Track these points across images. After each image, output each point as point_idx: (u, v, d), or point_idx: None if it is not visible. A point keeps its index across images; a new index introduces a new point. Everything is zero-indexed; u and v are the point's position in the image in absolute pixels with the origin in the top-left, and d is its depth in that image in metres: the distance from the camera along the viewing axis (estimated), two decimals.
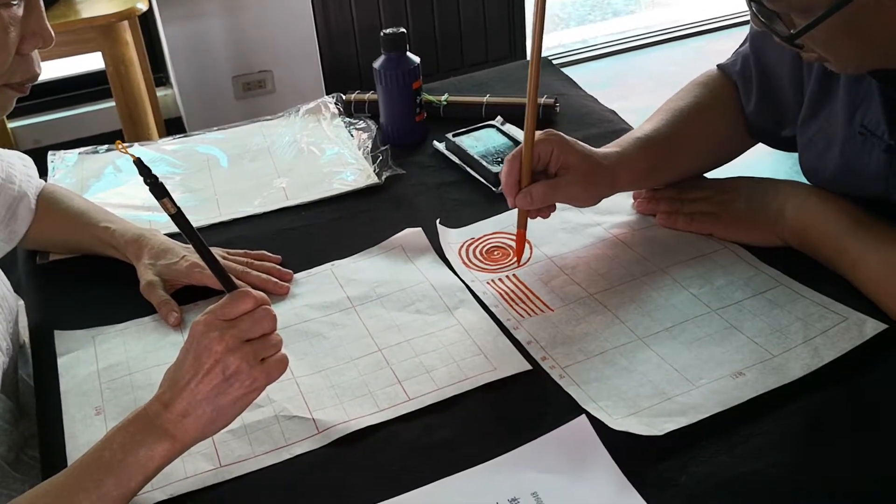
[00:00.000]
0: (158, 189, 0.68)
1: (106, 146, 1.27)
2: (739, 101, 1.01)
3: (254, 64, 2.56)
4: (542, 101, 1.25)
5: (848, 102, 0.85)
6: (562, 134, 0.91)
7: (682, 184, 1.01)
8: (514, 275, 0.94)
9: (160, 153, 1.25)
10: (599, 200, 0.95)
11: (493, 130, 1.20)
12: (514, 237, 0.99)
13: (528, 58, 0.87)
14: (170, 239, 0.97)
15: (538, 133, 0.89)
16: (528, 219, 0.93)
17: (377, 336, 0.87)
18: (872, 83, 0.81)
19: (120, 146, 0.69)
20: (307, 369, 0.84)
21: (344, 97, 1.32)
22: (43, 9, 0.78)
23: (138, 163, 0.66)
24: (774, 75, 0.96)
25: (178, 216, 0.69)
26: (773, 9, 0.72)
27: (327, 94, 1.41)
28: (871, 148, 0.84)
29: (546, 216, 0.94)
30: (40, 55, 0.81)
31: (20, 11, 0.76)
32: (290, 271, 0.97)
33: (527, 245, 0.96)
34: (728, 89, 1.02)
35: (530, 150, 0.89)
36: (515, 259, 0.95)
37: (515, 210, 0.93)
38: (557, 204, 0.93)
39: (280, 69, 2.59)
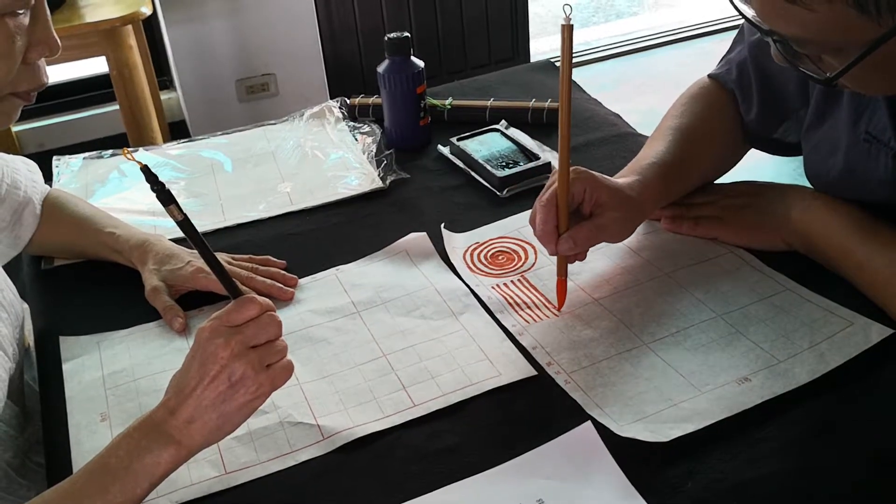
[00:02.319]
0: (165, 195, 0.68)
1: (111, 151, 1.27)
2: (737, 111, 1.00)
3: (257, 67, 2.57)
4: (546, 104, 1.25)
5: (853, 109, 0.85)
6: (590, 171, 0.87)
7: None
8: (519, 279, 0.94)
9: (164, 158, 1.25)
10: (633, 232, 0.92)
11: (497, 134, 1.20)
12: (518, 241, 1.00)
13: (559, 100, 0.82)
14: (175, 244, 0.98)
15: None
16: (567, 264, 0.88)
17: (382, 341, 0.87)
18: None
19: (126, 153, 0.69)
20: (312, 375, 0.84)
21: (348, 101, 1.33)
22: (49, 17, 0.78)
23: (145, 170, 0.66)
24: (777, 83, 0.95)
25: (184, 223, 0.69)
26: (802, 52, 0.71)
27: (331, 96, 1.41)
28: (877, 154, 0.83)
29: (583, 258, 0.91)
30: (45, 61, 0.81)
31: (26, 20, 0.76)
32: (295, 276, 0.97)
33: (532, 250, 0.95)
34: (724, 100, 1.01)
35: (565, 195, 0.84)
36: (557, 306, 0.89)
37: (518, 214, 0.92)
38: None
39: (283, 72, 2.59)
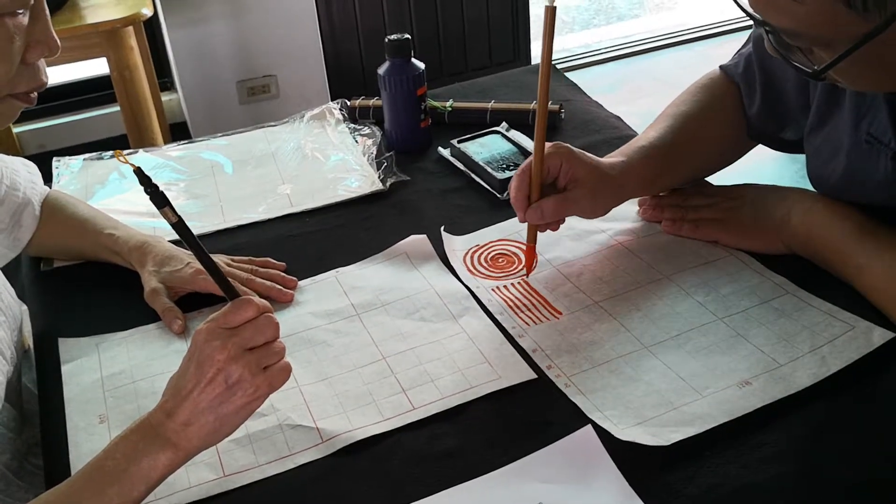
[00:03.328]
0: (159, 198, 0.67)
1: (110, 152, 1.27)
2: (742, 104, 1.01)
3: (258, 68, 2.57)
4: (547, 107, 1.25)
5: (854, 110, 0.85)
6: (569, 146, 0.90)
7: (687, 190, 1.01)
8: (519, 282, 0.94)
9: (165, 159, 1.25)
10: (608, 211, 0.94)
11: (498, 136, 1.20)
12: (519, 245, 0.99)
13: (539, 68, 0.87)
14: (174, 246, 0.97)
15: (546, 145, 0.88)
16: (538, 232, 0.92)
17: (382, 344, 0.87)
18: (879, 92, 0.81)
19: (120, 156, 0.69)
20: (311, 377, 0.83)
21: (349, 103, 1.32)
22: (49, 17, 0.78)
23: (138, 172, 0.66)
24: (778, 80, 0.96)
25: (178, 224, 0.69)
26: (794, 44, 0.71)
27: (331, 97, 1.41)
28: (878, 156, 0.83)
29: (555, 229, 0.94)
30: (45, 62, 0.81)
31: (25, 20, 0.75)
32: (295, 278, 0.97)
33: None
34: (730, 91, 1.01)
35: (539, 165, 0.88)
36: (525, 270, 0.94)
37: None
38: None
39: (284, 73, 2.59)
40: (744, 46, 1.02)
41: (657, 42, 3.50)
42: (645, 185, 0.97)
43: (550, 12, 0.82)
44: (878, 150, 0.83)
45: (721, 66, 1.04)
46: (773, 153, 1.04)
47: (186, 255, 0.95)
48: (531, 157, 0.89)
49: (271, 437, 0.77)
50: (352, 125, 1.29)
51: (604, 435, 0.73)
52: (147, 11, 2.07)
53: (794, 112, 0.95)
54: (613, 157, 0.95)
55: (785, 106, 0.96)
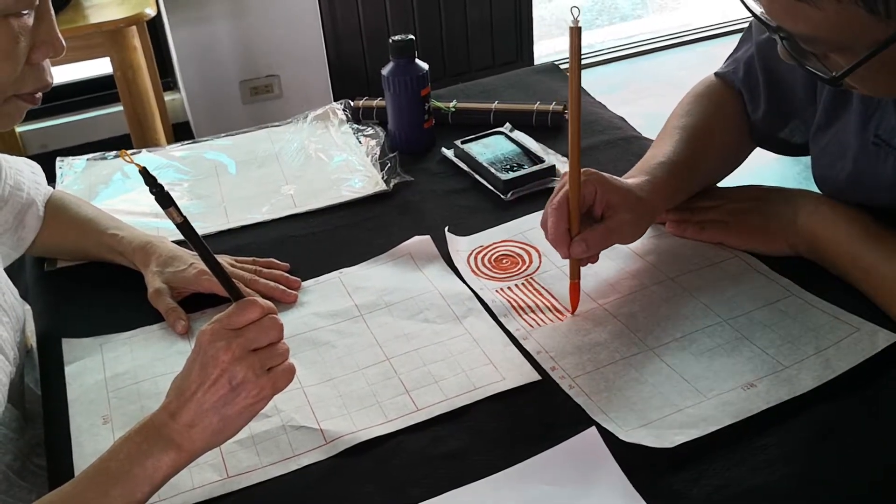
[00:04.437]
0: (164, 198, 0.67)
1: (114, 153, 1.27)
2: (744, 109, 1.00)
3: (261, 68, 2.57)
4: (550, 107, 1.25)
5: (862, 111, 0.85)
6: (600, 172, 0.87)
7: None
8: (523, 283, 0.94)
9: (168, 160, 1.25)
10: (645, 232, 0.92)
11: (501, 137, 1.19)
12: (523, 245, 0.99)
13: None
14: (178, 246, 0.97)
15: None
16: (580, 267, 0.88)
17: (385, 345, 0.87)
18: None
19: (125, 155, 0.69)
20: (315, 378, 0.83)
21: (352, 103, 1.32)
22: (54, 18, 0.78)
23: (144, 172, 0.66)
24: (784, 83, 0.95)
25: (183, 225, 0.69)
26: (810, 50, 0.71)
27: (335, 97, 1.41)
28: (885, 157, 0.83)
29: (595, 261, 0.90)
30: (50, 62, 0.81)
31: (30, 21, 0.75)
32: (298, 279, 0.97)
33: (536, 253, 0.95)
34: (731, 98, 1.01)
35: (577, 198, 0.83)
36: (570, 309, 0.89)
37: (528, 218, 0.92)
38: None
39: (287, 73, 2.59)
40: (736, 51, 1.01)
41: (660, 43, 3.49)
42: (670, 201, 0.95)
43: (576, 33, 0.77)
44: (885, 151, 0.83)
45: (717, 74, 1.03)
46: (776, 154, 1.03)
47: (190, 256, 0.95)
48: (564, 189, 0.84)
49: (275, 438, 0.77)
50: (355, 126, 1.29)
51: (608, 437, 0.73)
52: (150, 11, 2.07)
53: (801, 110, 0.95)
54: (637, 177, 0.92)
55: (792, 105, 0.96)
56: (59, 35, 0.79)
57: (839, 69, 0.69)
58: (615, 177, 0.89)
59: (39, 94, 0.80)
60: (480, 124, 1.25)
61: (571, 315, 0.88)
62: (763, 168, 2.43)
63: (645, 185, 0.90)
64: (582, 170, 0.84)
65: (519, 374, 0.81)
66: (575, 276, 0.87)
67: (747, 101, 0.99)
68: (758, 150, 1.05)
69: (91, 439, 0.79)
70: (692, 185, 0.97)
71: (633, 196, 0.88)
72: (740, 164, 1.05)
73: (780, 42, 0.73)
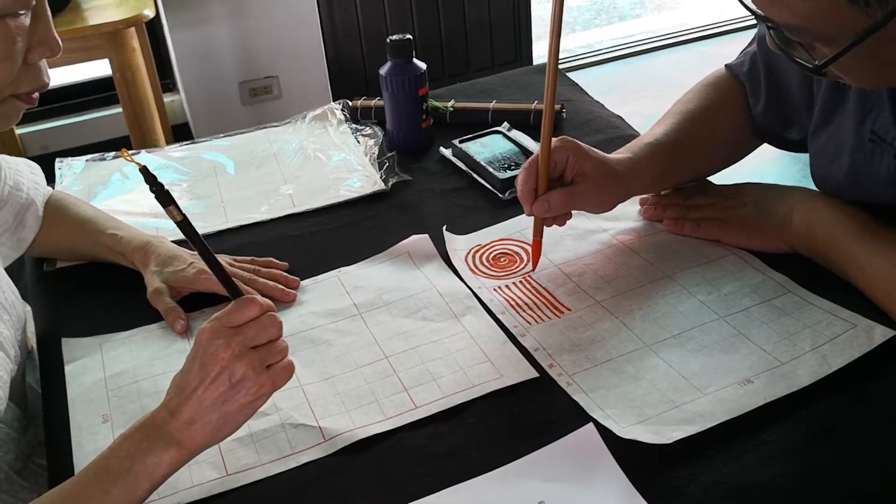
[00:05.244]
0: (164, 197, 0.68)
1: (113, 153, 1.27)
2: (747, 102, 1.01)
3: (260, 69, 2.57)
4: None
5: (858, 109, 0.85)
6: (577, 141, 0.91)
7: (689, 190, 1.01)
8: (521, 281, 0.94)
9: (167, 160, 1.25)
10: (614, 206, 0.95)
11: (499, 136, 1.20)
12: (520, 243, 1.00)
13: (546, 64, 0.87)
14: (177, 246, 0.97)
15: (553, 140, 0.89)
16: (544, 227, 0.93)
17: (384, 343, 0.87)
18: (883, 91, 0.81)
19: (125, 155, 0.69)
20: (313, 377, 0.84)
21: (350, 103, 1.33)
22: (50, 18, 0.78)
23: (144, 171, 0.66)
24: (783, 79, 0.96)
25: (183, 223, 0.69)
26: (795, 39, 0.72)
27: (334, 98, 1.41)
28: (881, 155, 0.83)
29: (562, 224, 0.94)
30: (48, 63, 0.81)
31: (27, 21, 0.76)
32: (297, 278, 0.97)
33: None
34: (736, 90, 1.02)
35: (547, 158, 0.88)
36: (531, 265, 0.94)
37: (525, 217, 0.92)
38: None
39: (286, 74, 2.59)
40: (749, 45, 1.02)
41: (659, 42, 3.50)
42: (651, 182, 0.97)
43: (559, 1, 0.82)
44: (881, 149, 0.83)
45: (727, 65, 1.04)
46: (776, 152, 1.04)
47: (189, 255, 0.95)
48: (538, 151, 0.89)
49: (274, 436, 0.77)
50: (354, 125, 1.29)
51: (605, 433, 0.73)
52: (149, 13, 2.08)
53: (799, 111, 0.95)
54: (621, 154, 0.95)
55: (789, 104, 0.96)
56: (56, 35, 0.79)
57: (823, 59, 0.70)
58: (593, 148, 0.92)
59: (36, 95, 0.80)
60: (478, 124, 1.25)
61: (532, 271, 0.93)
62: (762, 166, 2.44)
63: (625, 160, 0.94)
64: (560, 136, 0.90)
65: (517, 371, 0.82)
66: (537, 234, 0.92)
67: (749, 95, 1.00)
68: (758, 147, 1.05)
69: (91, 438, 0.79)
70: (678, 170, 0.98)
71: (608, 168, 0.91)
72: (741, 157, 1.05)
73: (768, 32, 0.74)
